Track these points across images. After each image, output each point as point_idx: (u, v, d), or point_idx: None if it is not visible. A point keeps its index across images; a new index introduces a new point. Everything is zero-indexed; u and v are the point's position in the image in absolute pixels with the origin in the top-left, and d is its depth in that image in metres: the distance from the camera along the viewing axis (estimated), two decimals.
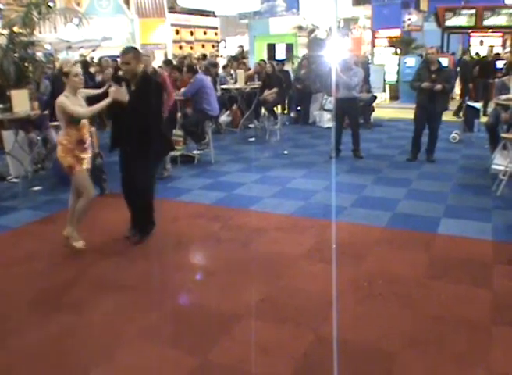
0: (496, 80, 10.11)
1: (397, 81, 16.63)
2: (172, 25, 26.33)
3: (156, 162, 5.14)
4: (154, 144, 4.82)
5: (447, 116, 10.80)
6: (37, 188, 7.05)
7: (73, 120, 4.61)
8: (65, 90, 4.67)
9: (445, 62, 13.92)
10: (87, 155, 4.83)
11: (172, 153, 8.48)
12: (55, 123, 7.54)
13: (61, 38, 16.45)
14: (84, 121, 4.74)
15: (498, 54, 15.22)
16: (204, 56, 16.13)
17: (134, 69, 4.66)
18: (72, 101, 4.61)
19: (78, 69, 4.87)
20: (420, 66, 8.85)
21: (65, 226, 5.02)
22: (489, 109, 10.79)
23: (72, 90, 4.67)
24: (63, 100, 4.56)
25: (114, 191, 6.87)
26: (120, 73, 5.26)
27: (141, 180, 4.85)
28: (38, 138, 7.69)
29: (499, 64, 13.63)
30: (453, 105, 12.93)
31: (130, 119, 4.65)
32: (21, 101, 6.86)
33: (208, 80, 8.91)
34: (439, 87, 7.68)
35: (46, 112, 7.33)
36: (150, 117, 4.74)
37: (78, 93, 4.74)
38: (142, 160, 4.79)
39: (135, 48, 4.90)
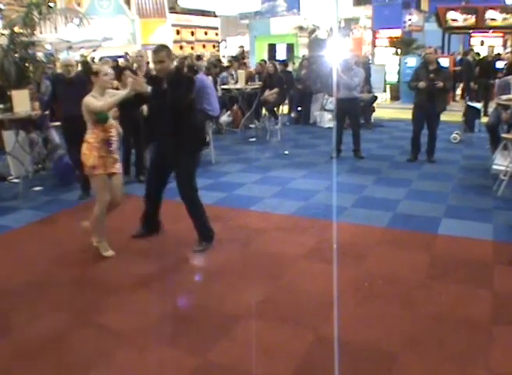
0: (497, 80, 10.10)
1: (398, 81, 16.63)
2: (173, 25, 26.32)
3: (198, 159, 4.98)
4: (195, 141, 4.82)
5: (448, 116, 10.79)
6: (37, 188, 7.06)
7: (99, 119, 4.49)
8: (93, 90, 4.57)
9: (445, 62, 13.95)
10: (113, 158, 4.68)
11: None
12: (56, 124, 7.57)
13: (61, 38, 16.46)
14: (112, 122, 4.63)
15: (499, 54, 15.21)
16: (199, 57, 16.06)
17: (168, 67, 4.62)
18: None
19: (108, 68, 4.76)
20: (418, 66, 8.86)
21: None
22: (490, 110, 10.79)
23: (101, 89, 4.56)
24: (89, 98, 4.47)
25: None
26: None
27: (188, 185, 4.78)
28: (39, 138, 7.69)
29: (499, 64, 13.61)
30: (457, 106, 12.94)
31: (169, 118, 4.57)
32: (22, 102, 6.87)
33: (208, 80, 8.90)
34: (440, 84, 7.67)
35: (47, 112, 7.33)
36: (188, 113, 4.70)
37: (106, 93, 4.61)
38: (187, 162, 4.75)
39: (167, 46, 4.86)
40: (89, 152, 4.53)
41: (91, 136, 4.54)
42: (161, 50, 4.62)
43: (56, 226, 5.68)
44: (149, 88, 4.46)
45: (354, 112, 8.75)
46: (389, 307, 3.76)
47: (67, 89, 6.37)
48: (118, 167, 4.73)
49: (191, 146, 4.76)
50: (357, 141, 8.70)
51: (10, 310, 3.86)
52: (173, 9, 26.47)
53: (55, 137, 7.85)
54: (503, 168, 6.68)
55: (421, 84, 7.78)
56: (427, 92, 7.80)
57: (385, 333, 3.41)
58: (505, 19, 16.36)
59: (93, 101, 4.47)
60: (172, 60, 4.80)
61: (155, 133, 4.87)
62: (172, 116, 4.57)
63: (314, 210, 5.95)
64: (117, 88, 6.77)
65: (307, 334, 3.41)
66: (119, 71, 6.91)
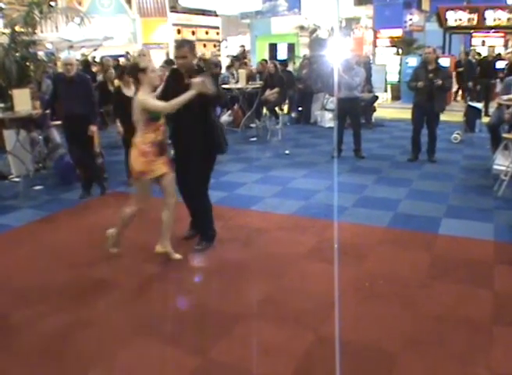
0: (498, 80, 10.08)
1: (399, 81, 16.62)
2: (174, 24, 26.29)
3: (213, 161, 4.85)
4: (215, 140, 4.70)
5: (449, 117, 10.80)
6: (38, 187, 7.05)
7: (153, 118, 4.33)
8: (142, 88, 4.35)
9: (446, 62, 13.93)
10: (162, 160, 4.45)
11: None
12: (57, 123, 7.57)
13: (62, 37, 16.43)
14: (162, 121, 4.43)
15: (499, 54, 15.20)
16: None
17: (190, 63, 4.50)
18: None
19: (154, 64, 4.60)
20: (417, 66, 8.88)
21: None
22: (491, 110, 10.78)
23: (150, 87, 4.39)
24: (145, 97, 4.30)
25: (115, 190, 6.90)
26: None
27: (199, 183, 4.75)
28: (40, 137, 7.69)
29: (500, 64, 13.60)
30: (457, 106, 12.92)
31: (190, 116, 4.45)
32: (23, 101, 6.86)
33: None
34: (439, 82, 7.67)
35: (48, 111, 7.33)
36: (209, 111, 4.63)
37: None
38: (201, 160, 4.67)
39: (189, 41, 4.75)
40: (136, 157, 4.38)
41: (141, 139, 4.36)
42: (183, 45, 4.50)
43: (57, 226, 5.68)
44: (213, 88, 4.30)
45: (355, 111, 8.75)
46: (390, 307, 3.76)
47: (68, 88, 6.37)
48: (168, 167, 4.53)
49: (208, 145, 4.65)
50: (358, 140, 8.70)
51: (9, 310, 3.85)
52: (174, 9, 26.46)
53: (56, 136, 7.85)
54: (503, 168, 6.67)
55: (420, 84, 7.80)
56: (426, 92, 7.80)
57: (386, 333, 3.41)
58: (509, 19, 16.35)
59: (151, 99, 4.31)
60: (195, 56, 4.67)
61: (173, 132, 4.74)
62: (193, 112, 4.43)
63: (315, 210, 5.95)
64: (119, 87, 6.77)
65: (308, 334, 3.41)
66: (122, 70, 6.89)
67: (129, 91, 6.68)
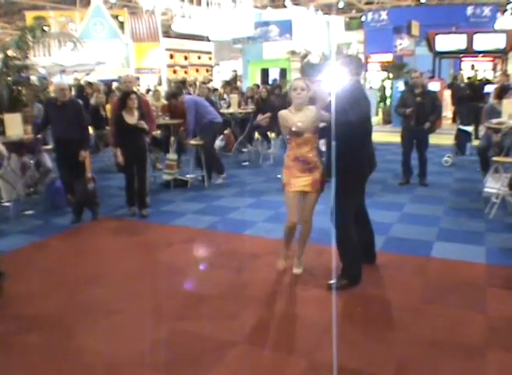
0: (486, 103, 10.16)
1: (390, 105, 16.77)
2: (167, 49, 26.55)
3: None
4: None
5: (440, 140, 10.88)
6: (29, 212, 7.01)
7: (292, 134, 4.50)
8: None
9: (436, 86, 14.10)
10: (306, 177, 4.62)
11: (165, 177, 8.49)
12: (48, 147, 7.57)
13: (55, 62, 16.53)
14: (308, 135, 4.51)
15: (487, 79, 15.38)
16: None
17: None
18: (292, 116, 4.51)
19: (300, 82, 4.57)
20: (404, 90, 9.03)
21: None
22: (481, 133, 10.87)
23: (295, 104, 4.54)
24: (285, 113, 4.56)
25: (107, 215, 6.86)
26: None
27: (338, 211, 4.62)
28: (31, 162, 7.66)
29: (488, 88, 13.74)
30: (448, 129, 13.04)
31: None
32: (14, 125, 6.87)
33: (197, 98, 9.09)
34: (427, 124, 7.91)
35: (39, 135, 7.32)
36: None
37: (306, 109, 4.54)
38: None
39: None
40: (283, 170, 4.76)
41: (287, 153, 4.69)
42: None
43: (48, 251, 5.63)
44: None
45: None
46: (383, 331, 3.73)
47: (59, 113, 6.36)
48: (312, 186, 4.67)
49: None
50: None
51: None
52: (167, 34, 26.73)
53: (47, 160, 7.82)
54: (494, 191, 6.70)
55: (408, 111, 7.93)
56: (415, 115, 7.89)
57: (379, 358, 3.38)
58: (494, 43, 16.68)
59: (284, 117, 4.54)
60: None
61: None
62: None
63: None
64: (121, 115, 6.61)
65: (301, 361, 3.37)
66: (124, 96, 6.64)
67: (131, 119, 6.58)
